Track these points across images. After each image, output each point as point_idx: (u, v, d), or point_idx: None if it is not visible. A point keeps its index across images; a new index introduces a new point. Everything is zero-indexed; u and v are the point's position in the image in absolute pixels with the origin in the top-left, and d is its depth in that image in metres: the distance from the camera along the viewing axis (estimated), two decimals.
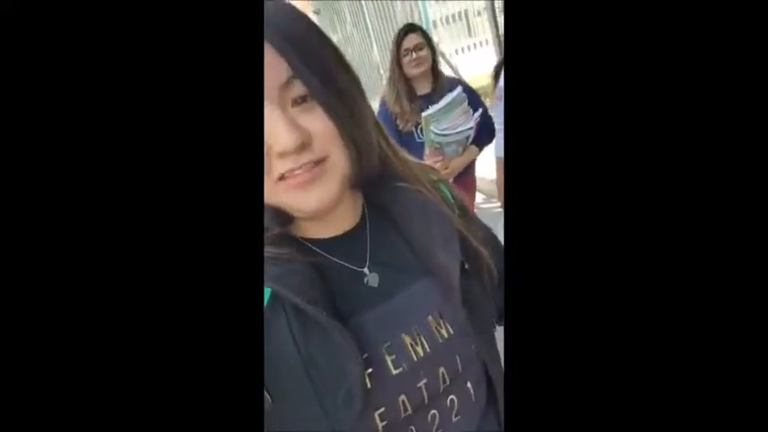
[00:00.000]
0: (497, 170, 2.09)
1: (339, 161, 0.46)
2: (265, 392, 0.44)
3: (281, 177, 0.44)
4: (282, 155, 0.43)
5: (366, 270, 0.52)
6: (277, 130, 0.42)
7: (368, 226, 0.54)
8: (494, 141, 2.03)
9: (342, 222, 0.54)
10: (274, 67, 0.42)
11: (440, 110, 1.66)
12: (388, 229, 0.54)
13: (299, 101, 0.44)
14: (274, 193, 0.45)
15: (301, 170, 0.44)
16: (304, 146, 0.43)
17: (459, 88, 1.74)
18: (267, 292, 0.45)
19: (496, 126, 1.97)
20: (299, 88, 0.43)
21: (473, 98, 1.86)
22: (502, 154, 2.06)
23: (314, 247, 0.51)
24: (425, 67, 1.86)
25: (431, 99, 1.82)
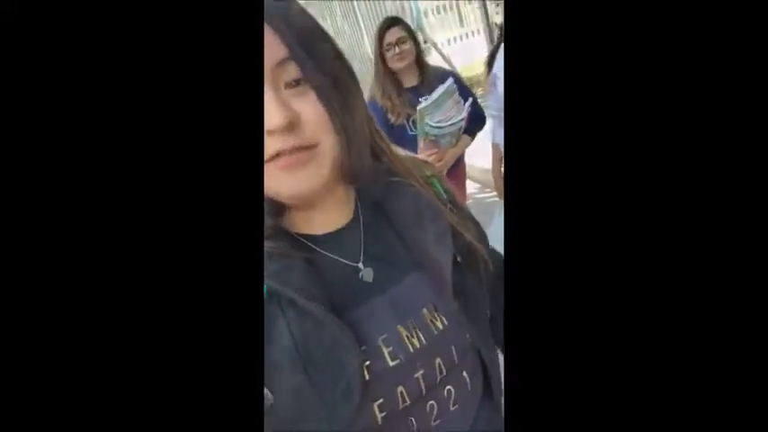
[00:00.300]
0: (493, 157, 2.10)
1: (329, 148, 0.46)
2: (267, 391, 0.44)
3: (270, 159, 0.44)
4: (271, 133, 0.43)
5: (360, 265, 0.52)
6: (267, 108, 0.42)
7: (361, 221, 0.54)
8: (486, 128, 2.04)
9: (335, 218, 0.54)
10: (270, 46, 0.42)
11: (433, 102, 1.66)
12: (381, 225, 0.55)
13: (293, 84, 0.44)
14: (269, 173, 0.44)
15: (290, 153, 0.44)
16: (292, 126, 0.43)
17: (451, 79, 1.74)
18: (264, 288, 0.45)
19: (492, 113, 1.97)
20: (293, 71, 0.44)
21: (462, 88, 1.86)
22: (497, 140, 2.07)
23: (309, 243, 0.51)
24: (409, 60, 1.85)
25: (419, 91, 1.82)
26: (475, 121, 1.89)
